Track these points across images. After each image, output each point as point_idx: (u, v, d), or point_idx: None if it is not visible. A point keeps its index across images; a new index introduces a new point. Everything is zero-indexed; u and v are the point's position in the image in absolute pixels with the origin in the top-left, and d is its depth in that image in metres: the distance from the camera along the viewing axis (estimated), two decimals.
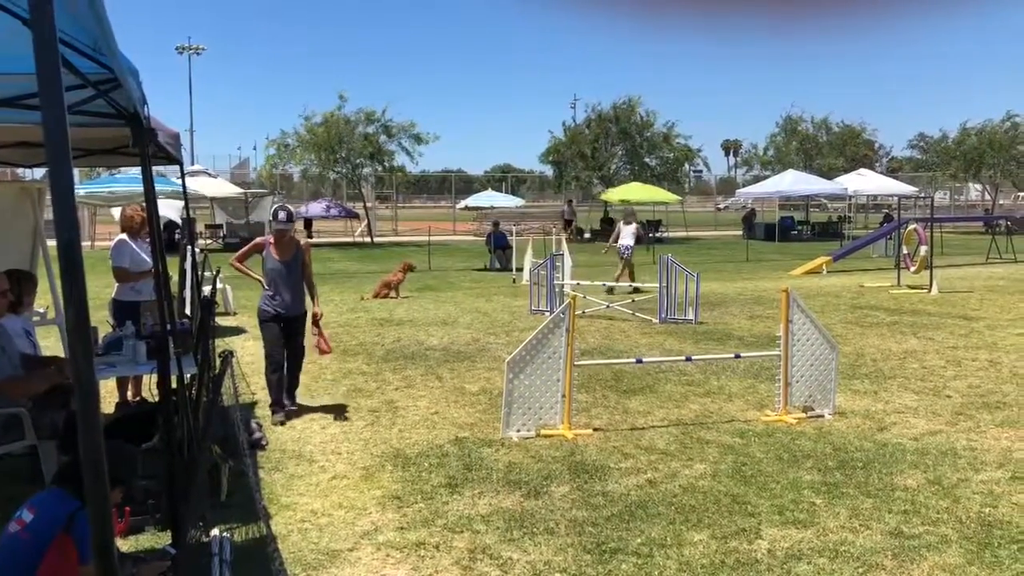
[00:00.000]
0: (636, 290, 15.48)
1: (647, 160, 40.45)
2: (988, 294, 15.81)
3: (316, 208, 35.74)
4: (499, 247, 22.25)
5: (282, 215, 7.10)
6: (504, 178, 59.70)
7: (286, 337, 7.11)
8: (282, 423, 6.92)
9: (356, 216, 35.24)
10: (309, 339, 7.42)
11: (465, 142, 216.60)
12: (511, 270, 20.22)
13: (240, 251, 7.34)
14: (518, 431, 6.47)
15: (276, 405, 7.08)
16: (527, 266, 16.44)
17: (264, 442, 6.39)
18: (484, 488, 5.40)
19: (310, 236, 36.00)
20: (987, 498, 5.18)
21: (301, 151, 35.10)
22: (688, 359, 8.39)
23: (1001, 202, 50.19)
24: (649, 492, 5.30)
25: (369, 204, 38.15)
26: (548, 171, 44.62)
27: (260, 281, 7.12)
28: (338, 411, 7.33)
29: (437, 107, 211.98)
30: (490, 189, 41.58)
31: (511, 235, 22.67)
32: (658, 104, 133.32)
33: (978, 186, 52.25)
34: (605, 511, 4.99)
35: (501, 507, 5.07)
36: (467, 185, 53.25)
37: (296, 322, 7.17)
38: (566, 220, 37.84)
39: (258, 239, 7.30)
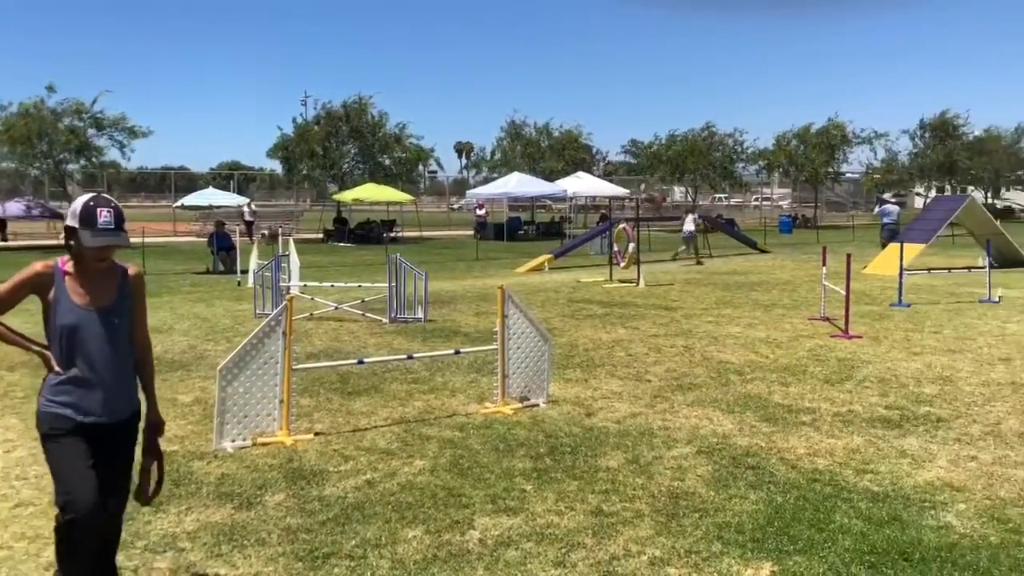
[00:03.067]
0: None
1: (381, 160, 40.52)
2: (686, 286, 17.44)
3: (14, 208, 32.32)
4: (222, 249, 21.24)
5: (105, 216, 3.47)
6: (232, 176, 57.14)
7: (101, 466, 3.59)
8: None
9: (61, 216, 32.09)
10: None
11: (188, 138, 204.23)
12: (236, 272, 19.37)
13: None
14: (233, 441, 6.18)
15: None
16: (252, 268, 15.83)
17: None
18: (192, 503, 5.10)
19: (4, 239, 32.46)
20: (676, 472, 5.68)
21: None
22: (410, 357, 8.47)
23: (700, 202, 55.58)
24: (367, 493, 5.28)
25: None
26: (280, 169, 43.35)
27: (41, 352, 3.59)
28: (26, 431, 6.58)
29: (154, 99, 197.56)
30: (211, 187, 39.53)
31: (235, 235, 21.71)
32: (392, 104, 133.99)
33: (682, 188, 57.63)
34: (321, 516, 4.89)
35: (210, 521, 4.81)
36: (190, 183, 50.36)
37: (122, 435, 3.70)
38: (247, 222, 34.13)
39: (36, 266, 3.57)
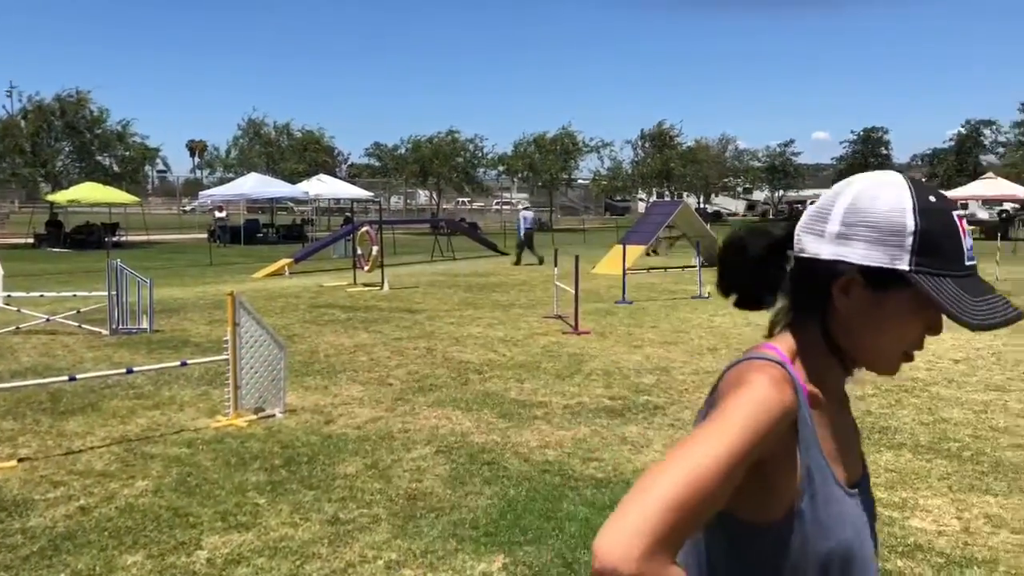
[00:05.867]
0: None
1: (100, 159, 37.46)
2: (430, 288, 17.66)
3: None
4: None
5: (969, 237, 1.20)
6: None
7: None
8: None
9: None
10: None
11: None
12: None
13: None
14: None
15: None
16: None
17: None
18: None
19: None
20: (415, 474, 5.72)
21: None
22: (130, 371, 7.86)
23: (445, 206, 56.62)
24: (80, 520, 4.83)
25: None
26: None
27: None
28: None
29: None
30: None
31: None
32: (115, 100, 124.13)
33: (427, 192, 58.40)
34: (24, 550, 4.41)
35: None
36: None
37: None
38: None
39: (769, 385, 1.16)
